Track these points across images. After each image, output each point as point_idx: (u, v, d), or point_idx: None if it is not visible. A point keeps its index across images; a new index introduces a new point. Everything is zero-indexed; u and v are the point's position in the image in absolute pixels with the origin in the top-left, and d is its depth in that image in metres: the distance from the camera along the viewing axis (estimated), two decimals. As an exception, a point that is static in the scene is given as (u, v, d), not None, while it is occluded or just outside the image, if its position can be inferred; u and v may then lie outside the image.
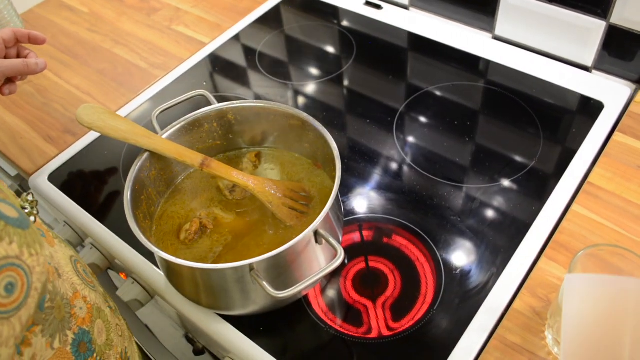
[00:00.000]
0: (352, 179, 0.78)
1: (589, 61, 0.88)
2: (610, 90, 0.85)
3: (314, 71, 0.96)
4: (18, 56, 0.74)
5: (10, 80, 0.73)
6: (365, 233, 0.72)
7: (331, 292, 0.67)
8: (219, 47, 1.03)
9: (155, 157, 0.67)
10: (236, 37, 1.05)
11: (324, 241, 0.57)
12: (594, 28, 0.84)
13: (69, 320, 0.55)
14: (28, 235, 0.47)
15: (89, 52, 1.06)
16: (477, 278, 0.66)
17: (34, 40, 0.74)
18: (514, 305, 0.62)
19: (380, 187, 0.77)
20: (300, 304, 0.66)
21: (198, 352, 0.77)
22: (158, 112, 0.73)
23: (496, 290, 0.64)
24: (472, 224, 0.71)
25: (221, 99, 0.93)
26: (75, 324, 0.56)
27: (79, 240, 0.83)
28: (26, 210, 0.54)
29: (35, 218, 0.56)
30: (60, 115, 0.94)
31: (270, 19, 1.08)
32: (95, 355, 0.52)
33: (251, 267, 0.54)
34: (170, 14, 1.13)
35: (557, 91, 0.87)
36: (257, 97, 0.93)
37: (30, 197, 0.55)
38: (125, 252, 0.73)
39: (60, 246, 0.62)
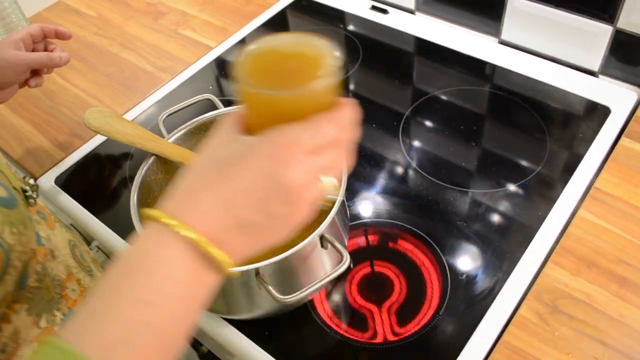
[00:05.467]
0: (358, 183, 0.78)
1: (595, 66, 0.88)
2: (617, 95, 0.85)
3: (320, 75, 0.96)
4: (45, 50, 0.78)
5: (36, 73, 0.77)
6: (371, 238, 0.72)
7: (336, 297, 0.67)
8: (226, 51, 1.03)
9: (162, 160, 0.67)
10: (242, 41, 1.05)
11: (329, 246, 0.57)
12: (601, 33, 0.84)
13: (58, 301, 0.56)
14: (13, 215, 0.48)
15: (96, 56, 1.07)
16: (483, 283, 0.66)
17: (60, 36, 0.78)
18: (520, 310, 0.62)
19: (386, 192, 0.77)
20: (306, 309, 0.66)
21: (203, 355, 0.77)
22: (164, 116, 0.73)
23: (502, 296, 0.64)
24: (478, 229, 0.71)
25: (227, 103, 0.93)
26: (66, 304, 0.57)
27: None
28: (27, 194, 0.57)
29: (35, 201, 0.58)
30: (68, 119, 0.94)
31: (276, 23, 1.08)
32: None
33: (257, 272, 0.54)
34: (177, 18, 1.14)
35: (563, 96, 0.86)
36: (263, 101, 0.93)
37: (32, 181, 0.59)
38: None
39: (61, 230, 0.64)
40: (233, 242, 0.35)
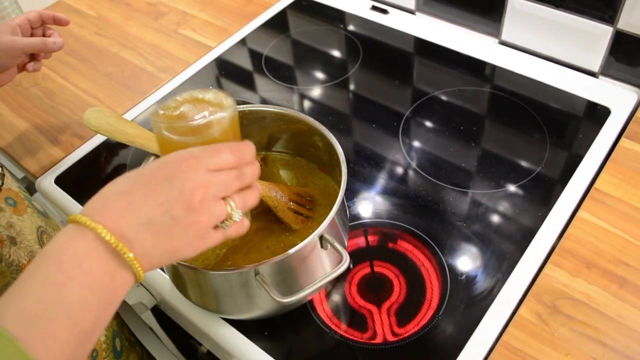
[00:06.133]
0: (358, 183, 0.78)
1: (595, 67, 0.88)
2: (617, 96, 0.85)
3: (320, 75, 0.97)
4: (43, 36, 0.79)
5: (34, 58, 0.79)
6: (371, 238, 0.72)
7: (336, 297, 0.67)
8: (226, 51, 1.03)
9: (162, 160, 0.67)
10: (242, 41, 1.05)
11: (329, 246, 0.57)
12: (601, 33, 0.84)
13: None
14: None
15: (96, 56, 1.07)
16: (482, 284, 0.66)
17: (58, 22, 0.79)
18: (520, 311, 0.62)
19: (386, 192, 0.77)
20: (305, 309, 0.66)
21: (202, 355, 0.77)
22: (164, 116, 0.73)
23: (502, 296, 0.64)
24: (477, 229, 0.71)
25: (227, 102, 0.93)
26: None
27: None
28: None
29: (0, 188, 0.62)
30: (68, 118, 0.94)
31: (276, 23, 1.08)
32: None
33: (256, 272, 0.54)
34: (177, 17, 1.14)
35: (563, 97, 0.86)
36: (263, 101, 0.93)
37: None
38: (130, 255, 0.74)
39: (31, 216, 0.65)
40: (140, 240, 0.39)
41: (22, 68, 0.79)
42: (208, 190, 0.42)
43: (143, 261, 0.39)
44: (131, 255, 0.38)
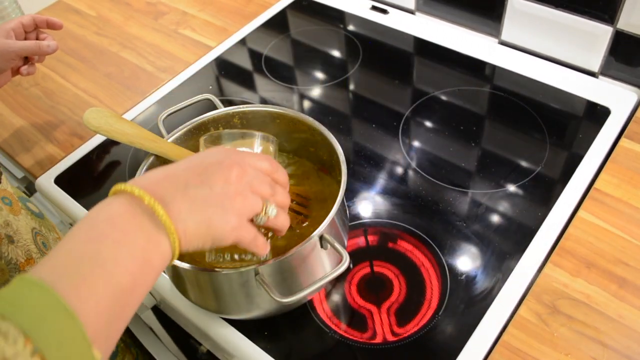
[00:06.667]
0: (358, 183, 0.78)
1: (595, 67, 0.88)
2: (616, 96, 0.85)
3: (319, 75, 0.97)
4: (37, 39, 0.81)
5: (28, 61, 0.80)
6: (371, 238, 0.72)
7: (336, 297, 0.67)
8: (225, 51, 1.03)
9: (161, 160, 0.67)
10: (242, 41, 1.05)
11: (329, 246, 0.57)
12: (601, 33, 0.84)
13: None
14: None
15: (96, 56, 1.07)
16: (482, 284, 0.66)
17: (51, 26, 0.80)
18: (520, 311, 0.62)
19: (386, 192, 0.77)
20: (305, 309, 0.66)
21: (202, 355, 0.77)
22: (164, 116, 0.73)
23: (501, 296, 0.64)
24: (477, 229, 0.71)
25: (227, 102, 0.93)
26: None
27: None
28: None
29: None
30: (67, 118, 0.94)
31: (276, 23, 1.08)
32: None
33: (256, 272, 0.54)
34: (177, 17, 1.14)
35: (563, 96, 0.86)
36: (263, 101, 0.93)
37: None
38: (130, 255, 0.74)
39: (26, 217, 0.66)
40: (177, 203, 0.40)
41: (16, 72, 0.79)
42: (245, 173, 0.44)
43: (178, 226, 0.40)
44: (165, 214, 0.39)
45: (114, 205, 0.39)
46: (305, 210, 0.66)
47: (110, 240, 0.37)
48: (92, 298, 0.34)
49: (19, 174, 0.99)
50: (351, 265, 0.69)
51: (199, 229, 0.41)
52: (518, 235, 0.70)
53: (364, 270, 0.68)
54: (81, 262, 0.35)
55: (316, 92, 0.94)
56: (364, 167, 0.80)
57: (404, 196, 0.76)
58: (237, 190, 0.43)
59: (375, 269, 0.68)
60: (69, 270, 0.34)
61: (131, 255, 0.37)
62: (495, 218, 0.72)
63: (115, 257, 0.36)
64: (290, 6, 1.11)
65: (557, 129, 0.82)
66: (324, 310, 0.66)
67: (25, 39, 0.78)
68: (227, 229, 0.42)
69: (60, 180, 0.84)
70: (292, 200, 0.66)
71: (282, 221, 0.48)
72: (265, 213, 0.45)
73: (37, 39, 0.80)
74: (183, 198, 0.40)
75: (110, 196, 0.40)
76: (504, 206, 0.73)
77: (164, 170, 0.42)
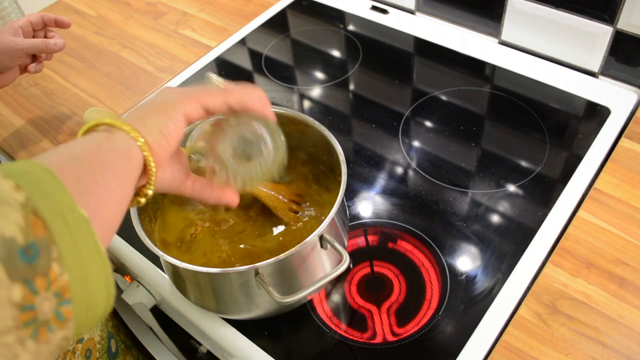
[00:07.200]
0: (358, 183, 0.78)
1: (595, 67, 0.88)
2: (617, 96, 0.85)
3: (319, 75, 0.97)
4: (44, 37, 0.81)
5: (36, 59, 0.81)
6: (370, 238, 0.72)
7: (336, 297, 0.67)
8: (225, 51, 1.03)
9: (161, 160, 0.67)
10: (242, 41, 1.05)
11: (329, 246, 0.57)
12: (601, 33, 0.84)
13: None
14: None
15: (95, 55, 1.07)
16: (482, 284, 0.66)
17: (59, 24, 0.81)
18: (519, 311, 0.62)
19: (386, 192, 0.77)
20: (305, 309, 0.66)
21: (202, 355, 0.77)
22: (164, 116, 0.73)
23: (501, 296, 0.64)
24: (477, 229, 0.71)
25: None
26: None
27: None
28: None
29: None
30: (67, 118, 0.94)
31: (276, 23, 1.08)
32: None
33: (256, 272, 0.54)
34: (177, 17, 1.14)
35: (563, 97, 0.86)
36: (263, 101, 0.93)
37: None
38: (130, 255, 0.74)
39: None
40: (143, 125, 0.42)
41: (24, 69, 0.80)
42: (197, 92, 0.47)
43: (146, 136, 0.42)
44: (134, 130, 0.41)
45: (99, 131, 0.41)
46: (301, 208, 0.66)
47: (92, 148, 0.38)
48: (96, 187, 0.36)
49: None
50: (351, 265, 0.69)
51: (154, 126, 0.43)
52: (518, 235, 0.70)
53: (364, 270, 0.68)
54: (79, 156, 0.37)
55: (316, 92, 0.94)
56: (364, 167, 0.80)
57: (404, 196, 0.76)
58: (187, 94, 0.46)
59: (375, 269, 0.68)
60: (69, 158, 0.36)
61: (112, 169, 0.38)
62: (495, 218, 0.72)
63: (96, 168, 0.37)
64: (290, 6, 1.11)
65: (557, 129, 0.82)
66: (324, 310, 0.66)
67: (34, 36, 0.79)
68: (176, 109, 0.45)
69: (60, 180, 0.84)
70: (292, 201, 0.66)
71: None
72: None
73: (45, 36, 0.80)
74: (137, 122, 0.42)
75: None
76: (504, 206, 0.73)
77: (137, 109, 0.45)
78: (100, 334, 0.70)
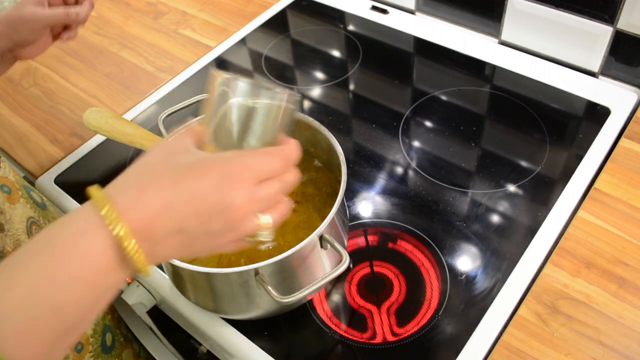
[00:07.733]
0: (357, 183, 0.78)
1: (595, 67, 0.88)
2: (617, 96, 0.85)
3: (319, 75, 0.97)
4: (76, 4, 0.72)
5: (67, 26, 0.72)
6: (370, 238, 0.72)
7: (336, 297, 0.67)
8: (226, 51, 1.03)
9: (161, 160, 0.67)
10: (242, 41, 1.05)
11: (329, 246, 0.57)
12: (601, 33, 0.84)
13: None
14: None
15: (95, 55, 1.07)
16: (482, 284, 0.66)
17: None
18: (519, 311, 0.62)
19: (386, 192, 0.77)
20: (305, 309, 0.66)
21: (202, 355, 0.77)
22: (164, 116, 0.73)
23: (501, 296, 0.64)
24: (477, 229, 0.71)
25: (227, 102, 0.93)
26: None
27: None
28: None
29: None
30: (67, 118, 0.94)
31: (276, 23, 1.08)
32: None
33: (256, 272, 0.54)
34: (177, 17, 1.14)
35: (563, 96, 0.86)
36: (263, 101, 0.93)
37: None
38: (130, 255, 0.74)
39: (25, 206, 0.64)
40: (164, 245, 0.36)
41: (56, 37, 0.72)
42: (252, 208, 0.38)
43: (155, 259, 0.37)
44: (144, 262, 0.35)
45: (96, 239, 0.34)
46: (296, 206, 0.66)
47: (82, 282, 0.33)
48: (31, 343, 0.32)
49: (19, 174, 0.99)
50: (351, 265, 0.69)
51: (172, 258, 0.38)
52: (518, 235, 0.70)
53: (364, 270, 0.68)
54: (35, 306, 0.32)
55: (316, 92, 0.94)
56: (364, 167, 0.80)
57: (404, 196, 0.76)
58: (236, 230, 0.38)
59: (375, 269, 0.68)
60: (16, 314, 0.31)
61: (95, 296, 0.34)
62: (495, 218, 0.72)
63: (77, 302, 0.33)
64: (290, 6, 1.11)
65: (557, 129, 0.82)
66: (324, 310, 0.66)
67: (65, 2, 0.70)
68: (203, 255, 0.39)
69: (60, 181, 0.84)
70: (291, 201, 0.66)
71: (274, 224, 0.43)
72: (256, 237, 0.41)
73: (76, 2, 0.71)
74: (173, 240, 0.36)
75: (91, 210, 0.35)
76: (504, 206, 0.73)
77: (163, 193, 0.36)
78: (94, 327, 0.70)
